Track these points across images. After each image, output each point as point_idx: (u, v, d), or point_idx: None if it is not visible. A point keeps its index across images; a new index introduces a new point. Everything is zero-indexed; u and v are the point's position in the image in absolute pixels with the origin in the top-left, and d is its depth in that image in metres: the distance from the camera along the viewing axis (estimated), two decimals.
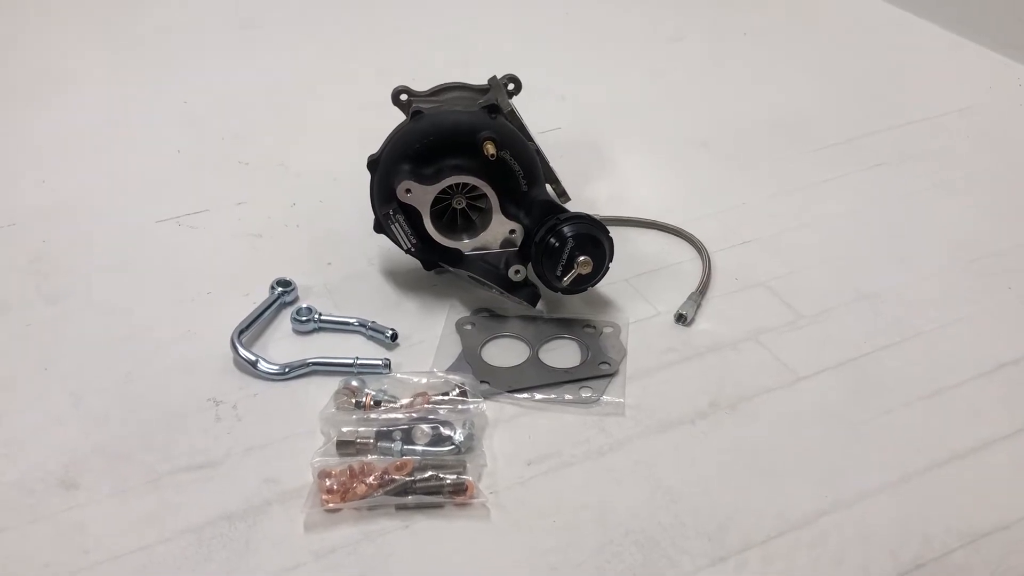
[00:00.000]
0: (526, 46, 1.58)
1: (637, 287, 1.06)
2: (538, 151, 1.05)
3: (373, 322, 1.00)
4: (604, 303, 1.04)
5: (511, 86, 1.14)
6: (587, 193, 1.19)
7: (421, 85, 1.11)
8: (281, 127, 1.38)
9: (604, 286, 1.01)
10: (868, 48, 1.58)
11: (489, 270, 1.01)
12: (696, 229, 1.14)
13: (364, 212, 1.04)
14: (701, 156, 1.31)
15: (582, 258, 0.95)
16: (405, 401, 0.90)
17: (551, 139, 1.05)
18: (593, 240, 0.96)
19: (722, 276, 1.07)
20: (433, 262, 1.05)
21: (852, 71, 1.51)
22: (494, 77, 1.14)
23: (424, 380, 0.92)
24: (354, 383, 0.92)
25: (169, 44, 1.60)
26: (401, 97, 1.12)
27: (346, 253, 1.12)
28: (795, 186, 1.23)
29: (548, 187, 1.09)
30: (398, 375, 0.93)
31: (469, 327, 1.01)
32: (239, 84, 1.48)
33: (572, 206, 1.09)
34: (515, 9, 1.74)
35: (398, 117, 1.06)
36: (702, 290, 1.05)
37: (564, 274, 0.97)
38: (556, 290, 1.00)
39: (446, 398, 0.90)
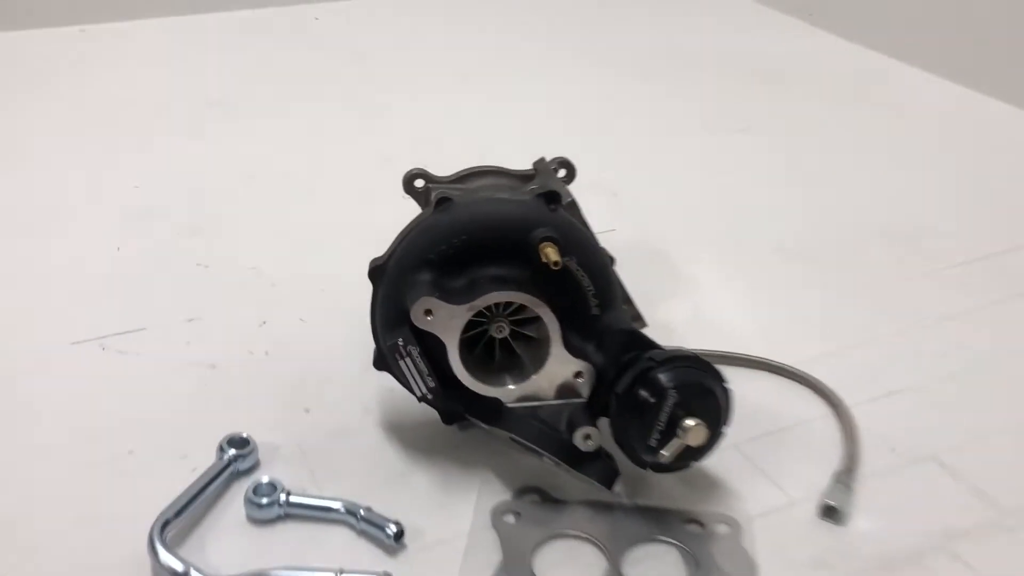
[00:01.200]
0: (565, 131, 1.29)
1: (753, 457, 0.73)
2: (612, 259, 0.73)
3: (368, 508, 0.66)
4: (709, 483, 0.71)
5: (562, 172, 0.84)
6: (657, 316, 0.87)
7: (438, 172, 0.82)
8: (255, 222, 1.07)
9: (708, 457, 0.68)
10: (982, 145, 1.31)
11: (543, 432, 0.68)
12: (818, 371, 0.82)
13: (362, 340, 0.72)
14: (798, 270, 1.00)
15: (691, 422, 0.63)
16: None
17: (605, 243, 0.76)
18: (706, 393, 0.64)
19: (872, 444, 0.75)
20: (458, 415, 0.72)
21: (972, 171, 1.23)
22: (541, 160, 0.85)
23: None
24: None
25: (126, 119, 1.31)
26: (416, 183, 0.82)
27: (333, 398, 0.79)
28: (934, 314, 0.92)
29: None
30: None
31: (511, 519, 0.67)
32: (205, 169, 1.18)
33: (646, 334, 0.76)
34: (548, 87, 1.47)
35: (409, 213, 0.75)
36: (850, 466, 0.72)
37: (662, 444, 0.64)
38: (644, 466, 0.67)
39: None
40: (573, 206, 0.75)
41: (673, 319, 0.90)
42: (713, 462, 0.70)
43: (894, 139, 1.31)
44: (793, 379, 0.82)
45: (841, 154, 1.27)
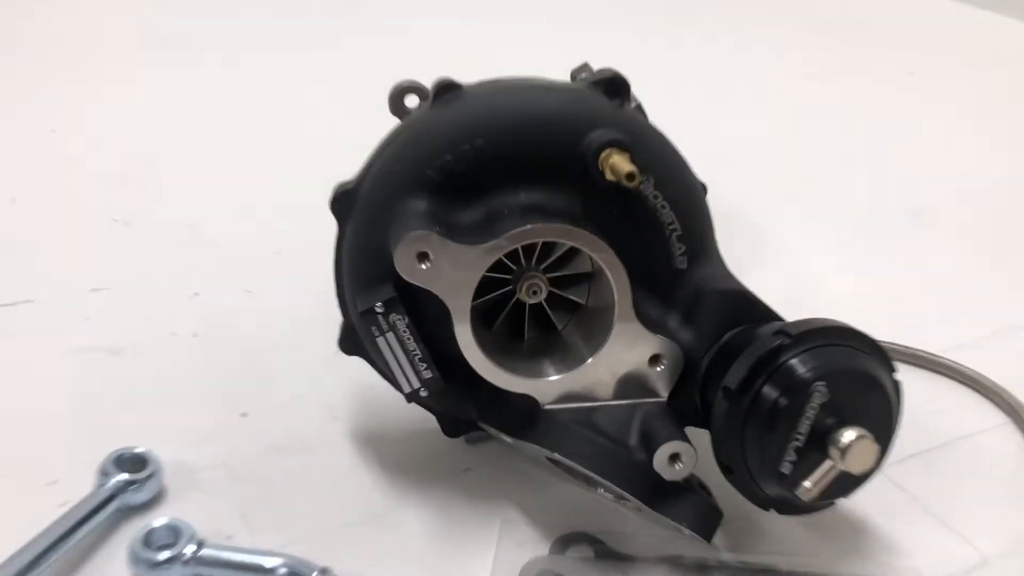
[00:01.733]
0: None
1: (911, 488, 0.49)
2: (704, 188, 0.49)
3: (324, 571, 0.42)
4: (854, 530, 0.46)
5: None
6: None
7: None
8: (197, 173, 0.82)
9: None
10: None
11: (601, 449, 0.43)
12: (980, 364, 0.57)
13: (329, 318, 0.48)
14: (925, 236, 0.76)
15: (854, 435, 0.38)
16: None
17: None
18: (870, 388, 0.40)
19: None
20: (468, 422, 0.47)
21: None
22: (585, 65, 0.61)
23: None
24: None
25: (52, 56, 1.06)
26: (407, 101, 0.57)
27: (284, 397, 0.55)
28: None
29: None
30: None
31: None
32: (141, 114, 0.93)
33: None
34: (589, 29, 1.22)
35: None
36: None
37: (801, 471, 0.39)
38: (767, 505, 0.42)
39: None
40: (641, 113, 0.51)
41: (767, 294, 0.65)
42: (856, 497, 0.45)
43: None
44: (945, 374, 0.58)
45: (963, 108, 1.02)
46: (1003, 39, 1.24)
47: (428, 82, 0.50)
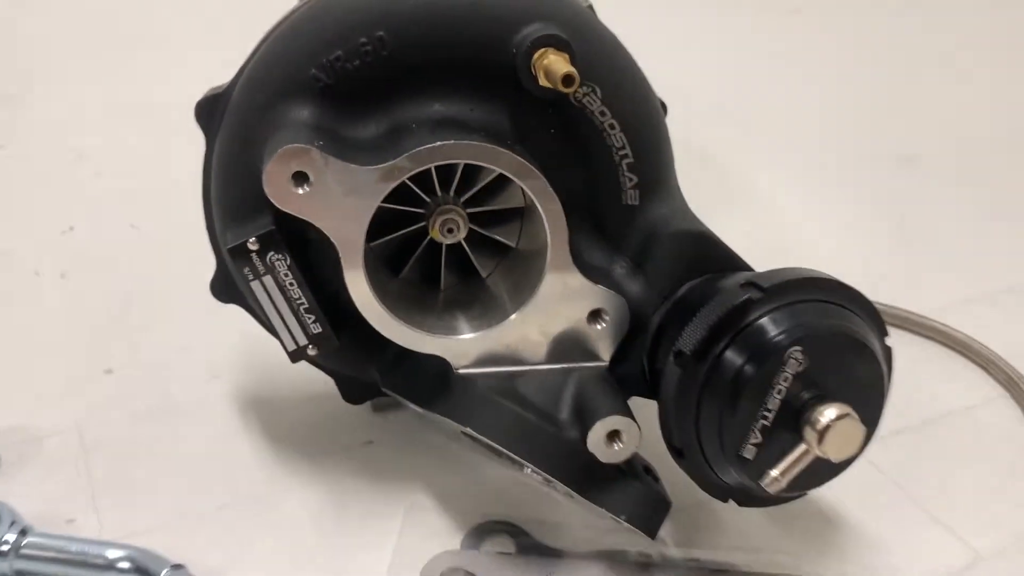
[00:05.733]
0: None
1: (896, 474, 0.42)
2: (663, 108, 0.40)
3: (177, 567, 0.33)
4: (825, 523, 0.39)
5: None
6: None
7: None
8: (88, 88, 0.71)
9: None
10: None
11: (524, 422, 0.35)
12: (969, 326, 0.50)
13: (209, 258, 0.39)
14: (915, 185, 0.68)
15: (835, 413, 0.31)
16: None
17: None
18: (856, 353, 0.32)
19: None
20: (369, 385, 0.39)
21: None
22: None
23: None
24: None
25: None
26: None
27: (157, 351, 0.47)
28: None
29: None
30: None
31: None
32: (23, 22, 0.82)
33: None
34: None
35: None
36: None
37: (769, 455, 0.31)
38: (725, 495, 0.35)
39: None
40: (591, 11, 0.42)
41: (741, 246, 0.57)
42: (828, 484, 0.38)
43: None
44: (933, 339, 0.51)
45: (966, 43, 0.93)
46: None
47: None
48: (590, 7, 0.43)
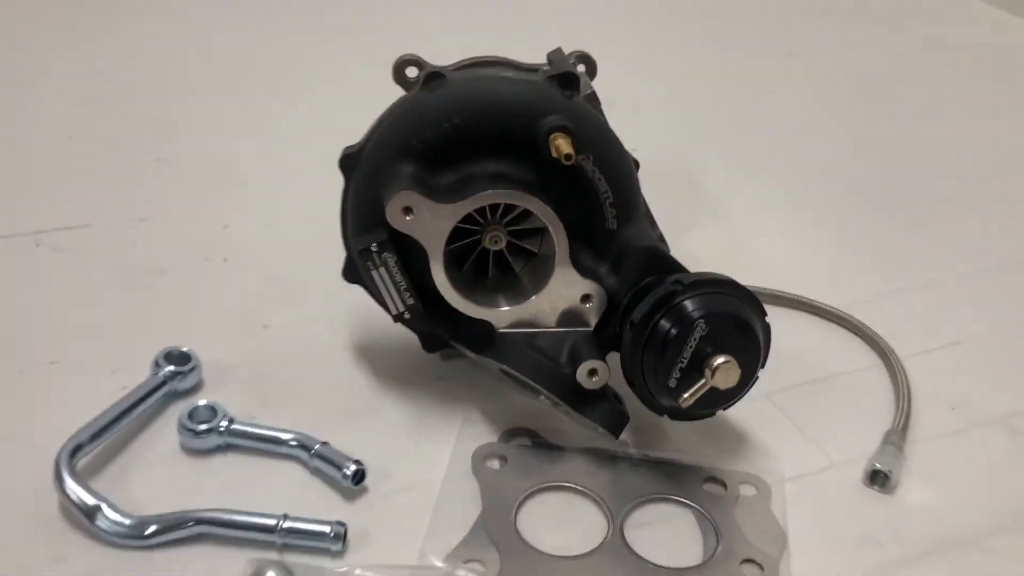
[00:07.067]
0: (584, 40, 1.15)
1: (788, 410, 0.62)
2: (636, 164, 0.61)
3: (325, 444, 0.55)
4: (735, 437, 0.60)
5: (581, 68, 0.70)
6: (686, 247, 0.74)
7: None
8: (227, 115, 0.94)
9: (735, 405, 0.56)
10: None
11: (539, 364, 0.56)
12: (869, 316, 0.70)
13: (336, 252, 0.60)
14: (854, 203, 0.88)
15: (721, 360, 0.51)
16: None
17: None
18: (741, 327, 0.52)
19: (928, 402, 0.63)
20: (441, 340, 0.60)
21: None
22: (558, 50, 0.71)
23: None
24: (271, 574, 0.46)
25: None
26: (408, 72, 0.68)
27: (297, 312, 0.68)
28: (1005, 260, 0.80)
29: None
30: (356, 571, 0.47)
31: (496, 464, 0.56)
32: (174, 56, 1.05)
33: None
34: None
35: None
36: (903, 426, 0.60)
37: (683, 386, 0.52)
38: (660, 411, 0.55)
39: None
40: (593, 99, 0.63)
41: (701, 251, 0.76)
42: (740, 413, 0.59)
43: (965, 76, 1.16)
44: (838, 323, 0.70)
45: (903, 86, 1.12)
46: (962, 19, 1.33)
47: (427, 54, 0.62)
48: (593, 93, 0.63)
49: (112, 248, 0.74)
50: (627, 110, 1.00)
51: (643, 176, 0.63)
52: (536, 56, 0.67)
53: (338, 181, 0.59)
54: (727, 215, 0.85)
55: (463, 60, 0.69)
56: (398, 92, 0.63)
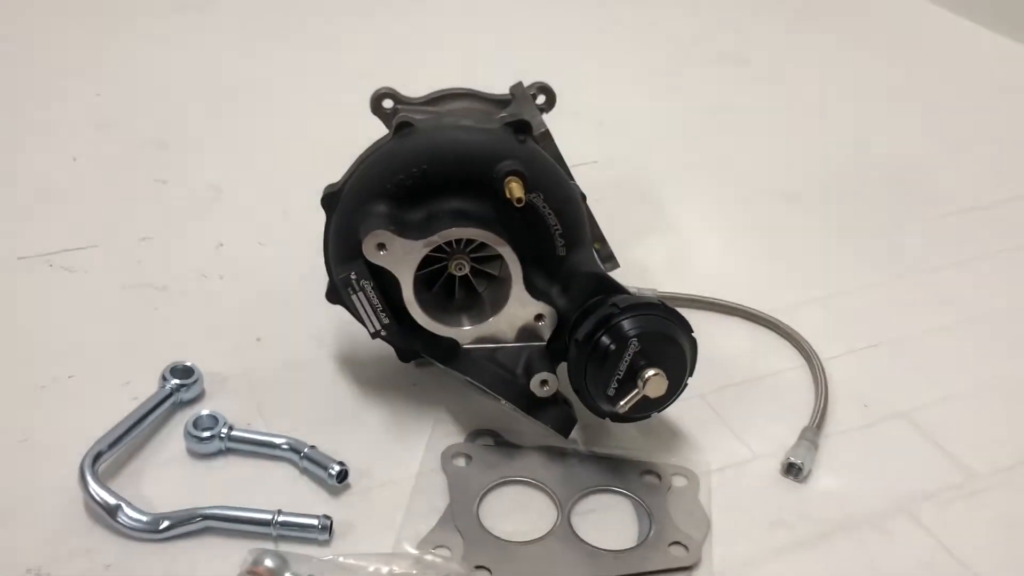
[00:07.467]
0: (550, 53, 1.23)
1: (719, 409, 0.71)
2: (583, 196, 0.69)
3: (312, 447, 0.64)
4: (670, 434, 0.68)
5: (541, 99, 0.78)
6: (634, 256, 0.84)
7: (413, 94, 0.76)
8: (222, 138, 1.02)
9: (672, 406, 0.65)
10: (990, 89, 1.24)
11: (498, 375, 0.65)
12: (797, 321, 0.78)
13: (323, 269, 0.68)
14: (788, 214, 0.96)
15: (651, 372, 0.60)
16: None
17: (583, 176, 0.71)
18: (669, 343, 0.61)
19: (844, 399, 0.72)
20: (415, 352, 0.69)
21: (978, 115, 1.17)
22: (519, 84, 0.79)
23: (382, 568, 0.55)
24: (268, 562, 0.55)
25: (89, 22, 1.24)
26: (384, 104, 0.76)
27: (288, 327, 0.76)
28: (926, 266, 0.88)
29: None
30: (340, 558, 0.56)
31: (461, 462, 0.65)
32: (171, 78, 1.12)
33: (618, 275, 0.71)
34: (542, 7, 1.39)
35: (379, 132, 0.70)
36: (819, 423, 0.69)
37: (620, 395, 0.61)
38: (602, 415, 0.64)
39: None
40: (546, 136, 0.71)
41: (650, 260, 0.86)
42: (676, 412, 0.67)
43: (899, 81, 1.25)
44: (768, 327, 0.79)
45: (840, 94, 1.21)
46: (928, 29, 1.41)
47: (409, 74, 0.69)
48: (546, 132, 0.71)
49: (118, 267, 0.82)
50: (591, 123, 1.09)
51: (603, 186, 0.72)
52: (502, 74, 0.77)
53: (317, 197, 0.66)
54: (675, 226, 0.93)
55: (434, 92, 0.78)
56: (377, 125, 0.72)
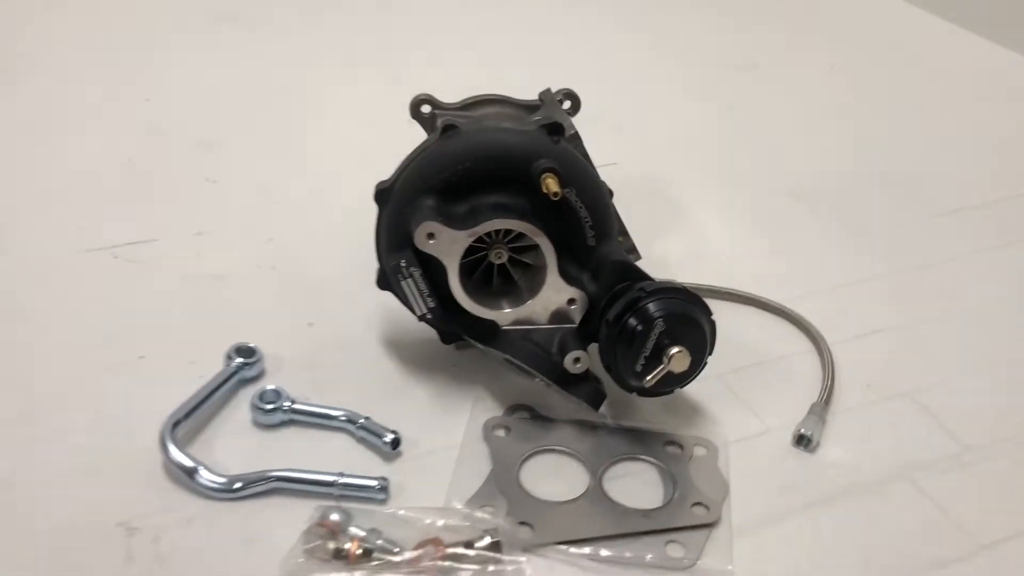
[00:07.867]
0: (574, 61, 1.29)
1: (735, 388, 0.77)
2: (610, 192, 0.76)
3: (367, 418, 0.70)
4: (691, 409, 0.75)
5: (567, 104, 0.85)
6: (654, 251, 0.90)
7: (445, 99, 0.83)
8: (265, 139, 1.09)
9: (691, 384, 0.71)
10: (986, 92, 1.31)
11: (534, 353, 0.71)
12: (806, 310, 0.85)
13: (364, 259, 0.75)
14: (797, 212, 1.03)
15: (675, 350, 0.66)
16: (410, 554, 0.60)
17: (604, 177, 0.77)
18: (691, 324, 0.67)
19: (849, 381, 0.78)
20: (456, 335, 0.75)
21: (974, 119, 1.24)
22: (547, 91, 0.86)
23: (437, 521, 0.62)
24: (334, 516, 0.62)
25: (139, 32, 1.31)
26: (423, 109, 0.83)
27: (337, 312, 0.82)
28: (925, 260, 0.95)
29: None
30: (400, 511, 0.63)
31: (501, 433, 0.71)
32: (218, 84, 1.19)
33: (640, 267, 0.77)
34: (561, 16, 1.46)
35: (415, 137, 0.77)
36: (827, 399, 0.75)
37: (647, 371, 0.67)
38: (630, 390, 0.70)
39: (469, 552, 0.60)
40: (576, 138, 0.77)
41: (669, 253, 0.93)
42: (696, 389, 0.74)
43: (902, 85, 1.31)
44: (779, 315, 0.85)
45: (849, 100, 1.27)
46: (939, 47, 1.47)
47: (445, 79, 0.75)
48: (576, 134, 0.78)
49: (179, 258, 0.88)
50: (609, 127, 1.16)
51: (622, 186, 0.78)
52: (530, 80, 0.84)
53: (366, 195, 0.73)
54: (692, 222, 0.99)
55: (468, 98, 0.84)
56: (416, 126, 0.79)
